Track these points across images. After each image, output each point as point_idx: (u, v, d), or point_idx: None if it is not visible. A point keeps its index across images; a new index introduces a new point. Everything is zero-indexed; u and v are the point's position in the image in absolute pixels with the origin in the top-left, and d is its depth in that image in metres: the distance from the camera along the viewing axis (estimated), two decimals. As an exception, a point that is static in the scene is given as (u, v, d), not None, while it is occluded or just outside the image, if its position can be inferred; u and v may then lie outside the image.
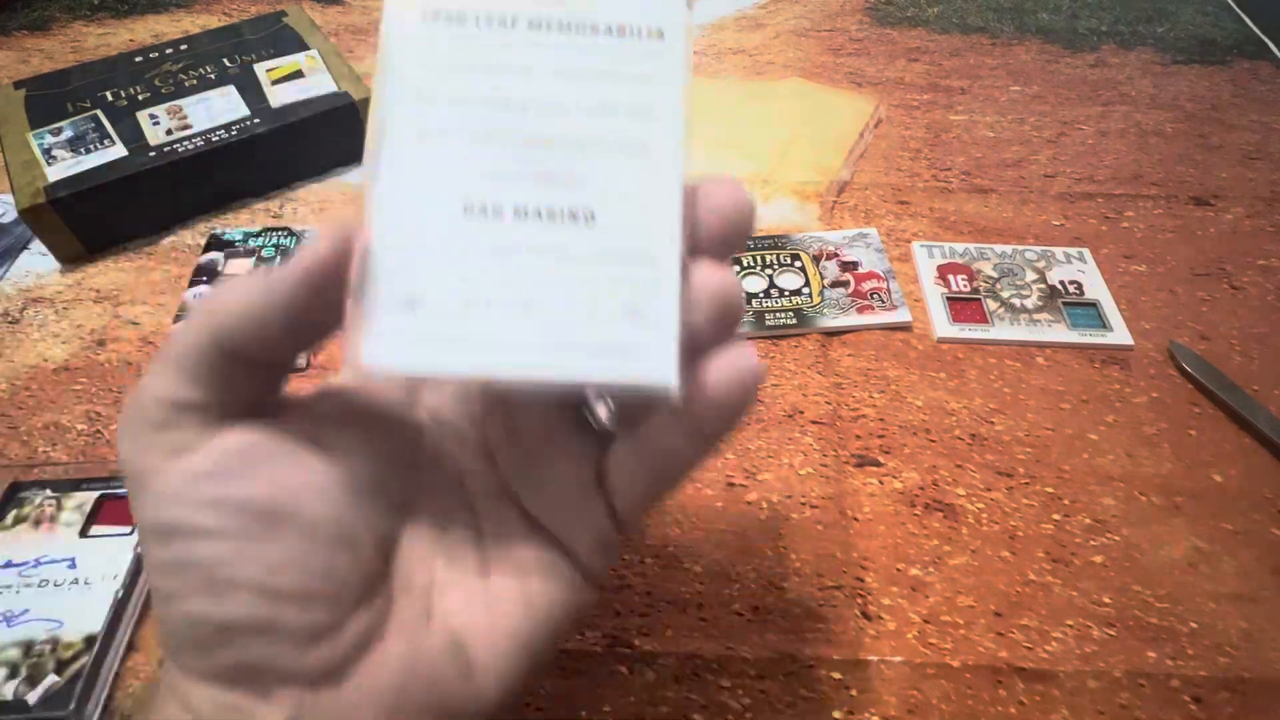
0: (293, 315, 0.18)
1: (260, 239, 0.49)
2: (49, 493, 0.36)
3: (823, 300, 0.45)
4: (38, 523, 0.35)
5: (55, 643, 0.31)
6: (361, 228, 0.18)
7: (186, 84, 0.54)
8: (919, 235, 0.50)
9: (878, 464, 0.38)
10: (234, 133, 0.50)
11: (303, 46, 0.57)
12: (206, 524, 0.18)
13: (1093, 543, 0.36)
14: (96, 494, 0.36)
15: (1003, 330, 0.44)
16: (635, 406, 0.21)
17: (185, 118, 0.51)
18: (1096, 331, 0.44)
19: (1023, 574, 0.35)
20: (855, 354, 0.43)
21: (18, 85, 0.54)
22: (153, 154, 0.49)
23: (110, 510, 0.36)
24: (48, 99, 0.53)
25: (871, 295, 0.46)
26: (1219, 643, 0.32)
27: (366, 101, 0.53)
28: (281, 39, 0.58)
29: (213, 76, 0.54)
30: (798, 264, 0.47)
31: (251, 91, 0.53)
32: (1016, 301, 0.45)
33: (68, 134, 0.50)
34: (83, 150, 0.49)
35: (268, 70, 0.55)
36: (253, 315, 0.18)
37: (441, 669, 0.21)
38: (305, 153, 0.54)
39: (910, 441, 0.39)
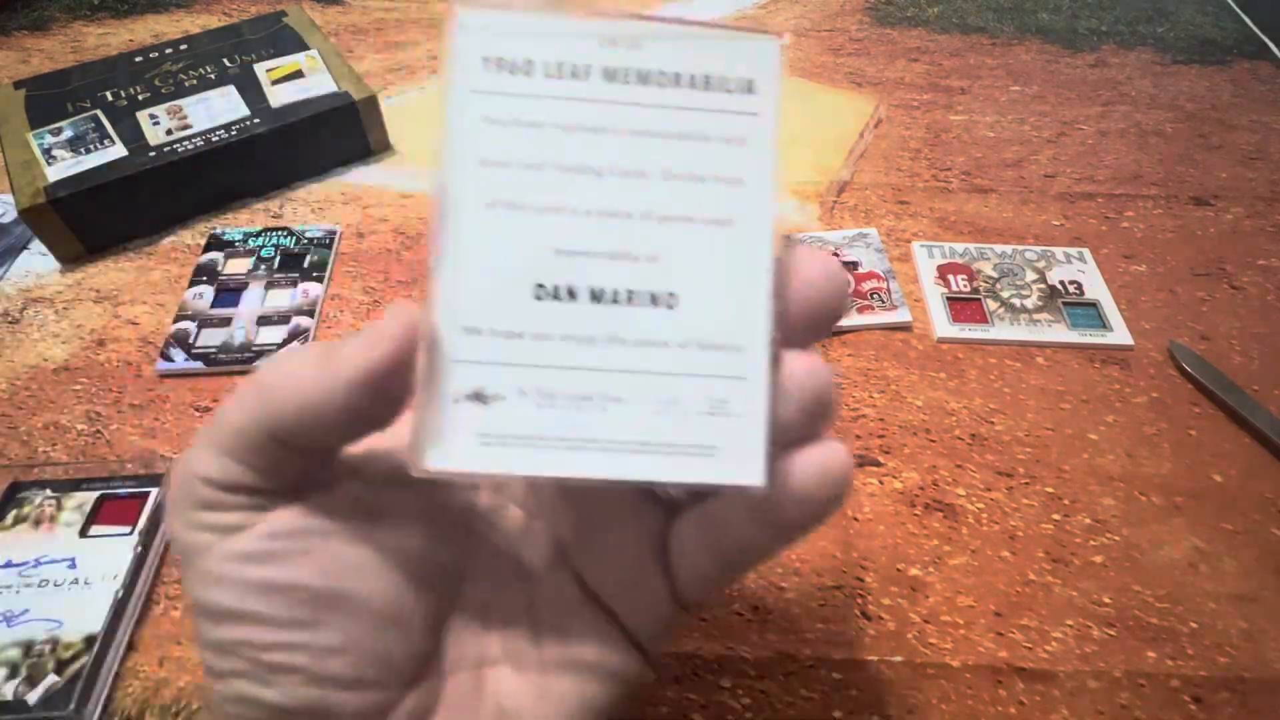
0: (351, 414, 0.17)
1: (260, 239, 0.49)
2: (49, 493, 0.36)
3: (823, 300, 0.45)
4: (38, 523, 0.35)
5: (55, 643, 0.31)
6: (426, 314, 0.17)
7: (186, 84, 0.54)
8: (919, 235, 0.50)
9: (878, 464, 0.38)
10: (234, 133, 0.50)
11: (303, 46, 0.57)
12: (255, 609, 0.18)
13: (1093, 543, 0.36)
14: (96, 494, 0.36)
15: (1003, 330, 0.44)
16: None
17: (185, 118, 0.51)
18: (1096, 331, 0.44)
19: (1023, 574, 0.35)
20: (855, 354, 0.43)
21: (18, 85, 0.54)
22: (153, 154, 0.49)
23: (110, 510, 0.36)
24: (48, 99, 0.53)
25: (871, 295, 0.46)
26: (1219, 643, 0.32)
27: (366, 101, 0.53)
28: (281, 39, 0.58)
29: (213, 76, 0.54)
30: (798, 264, 0.47)
31: (251, 91, 0.53)
32: (1016, 301, 0.45)
33: (68, 134, 0.50)
34: (83, 150, 0.49)
35: (268, 70, 0.55)
36: (306, 408, 0.17)
37: None
38: (305, 153, 0.54)
39: (910, 441, 0.39)
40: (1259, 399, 0.40)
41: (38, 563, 0.34)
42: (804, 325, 0.18)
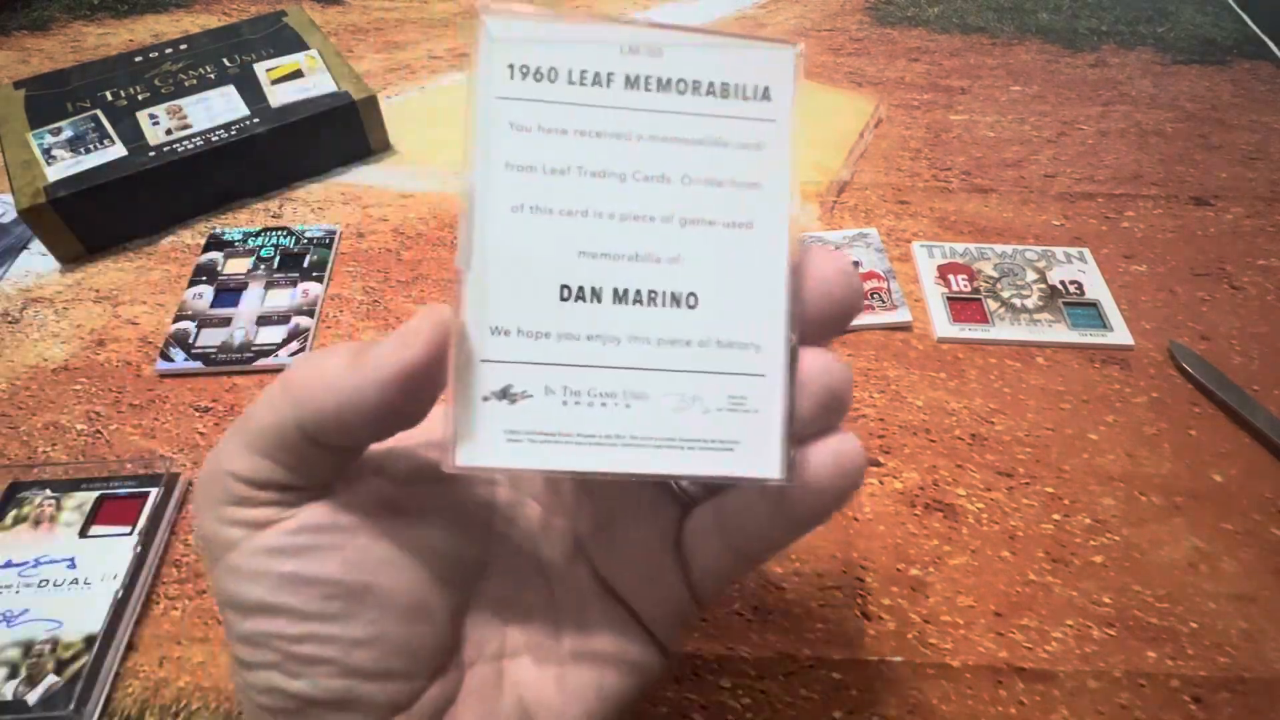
0: (383, 412, 0.17)
1: (260, 239, 0.49)
2: (49, 493, 0.36)
3: (823, 300, 0.45)
4: (37, 523, 0.35)
5: (55, 643, 0.31)
6: (456, 314, 0.17)
7: (186, 84, 0.54)
8: (919, 235, 0.50)
9: (878, 464, 0.38)
10: (234, 133, 0.50)
11: (303, 46, 0.57)
12: (285, 602, 0.18)
13: (1093, 543, 0.35)
14: (96, 494, 0.36)
15: (1003, 330, 0.44)
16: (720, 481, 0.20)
17: (185, 117, 0.51)
18: (1096, 331, 0.44)
19: (1023, 574, 0.35)
20: (855, 354, 0.43)
21: (18, 85, 0.54)
22: (152, 154, 0.49)
23: (110, 510, 0.36)
24: (48, 99, 0.53)
25: (872, 295, 0.46)
26: (1219, 643, 0.32)
27: (366, 101, 0.53)
28: (281, 39, 0.58)
29: (212, 76, 0.54)
30: (798, 264, 0.47)
31: (251, 91, 0.53)
32: (1017, 301, 0.45)
33: (67, 134, 0.50)
34: (82, 150, 0.49)
35: (268, 70, 0.55)
36: (339, 407, 0.17)
37: None
38: (305, 153, 0.54)
39: (910, 441, 0.39)
40: (1259, 399, 0.40)
41: (37, 563, 0.34)
42: (820, 324, 0.18)
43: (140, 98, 0.53)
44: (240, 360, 0.43)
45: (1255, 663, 0.32)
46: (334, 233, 0.50)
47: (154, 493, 0.36)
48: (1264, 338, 0.44)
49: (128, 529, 0.35)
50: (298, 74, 0.55)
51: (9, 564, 0.34)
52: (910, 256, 0.49)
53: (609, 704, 0.21)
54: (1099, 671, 0.32)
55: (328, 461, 0.19)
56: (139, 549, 0.34)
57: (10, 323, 0.46)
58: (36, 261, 0.49)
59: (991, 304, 0.45)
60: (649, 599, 0.21)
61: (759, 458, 0.18)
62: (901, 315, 0.45)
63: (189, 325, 0.45)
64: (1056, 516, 0.36)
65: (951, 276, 0.47)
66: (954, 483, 0.38)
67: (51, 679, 0.31)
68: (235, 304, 0.46)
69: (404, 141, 0.57)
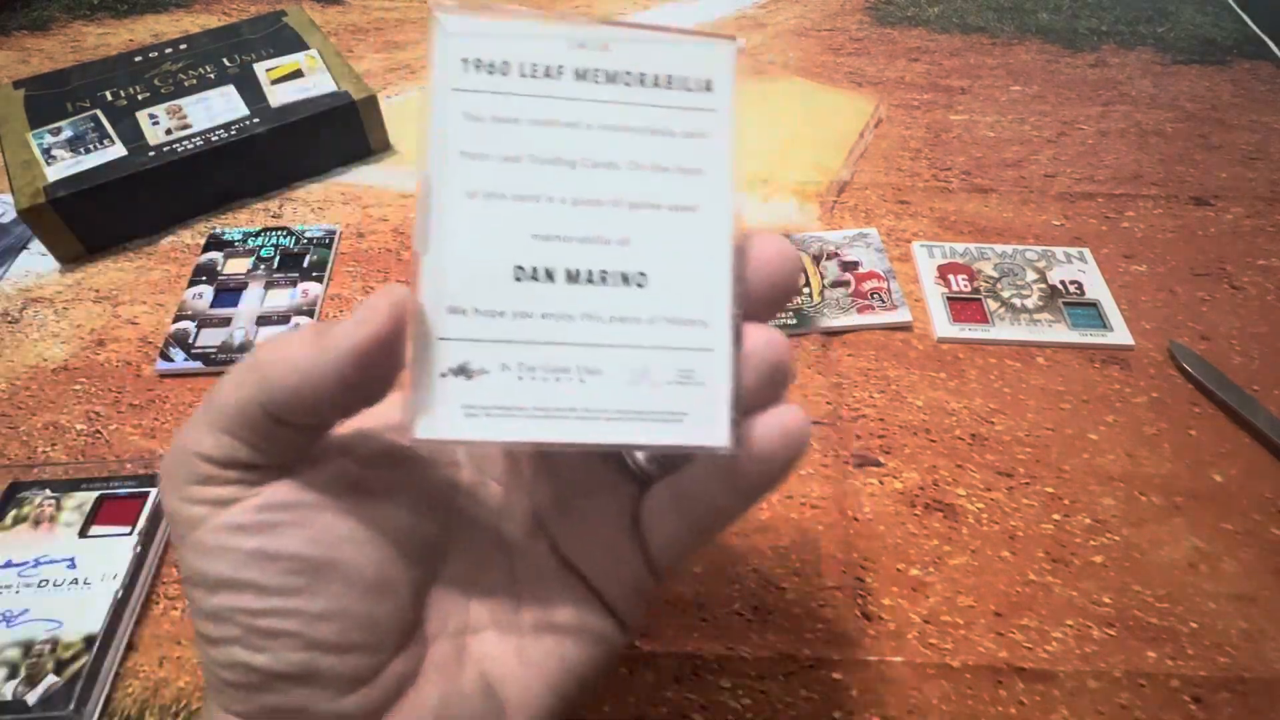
0: (344, 388, 0.18)
1: (260, 239, 0.49)
2: (49, 493, 0.36)
3: (823, 300, 0.45)
4: (37, 523, 0.35)
5: (55, 643, 0.31)
6: (414, 295, 0.18)
7: (186, 84, 0.54)
8: (919, 235, 0.50)
9: (878, 464, 0.38)
10: (234, 132, 0.50)
11: (302, 46, 0.57)
12: (249, 577, 0.18)
13: (1093, 543, 0.35)
14: (96, 494, 0.36)
15: (1003, 330, 0.44)
16: (679, 456, 0.21)
17: (185, 117, 0.51)
18: (1097, 331, 0.44)
19: (1023, 574, 0.35)
20: (855, 354, 0.43)
21: (17, 85, 0.54)
22: (152, 154, 0.49)
23: (109, 510, 0.36)
24: (47, 99, 0.52)
25: (872, 295, 0.46)
26: (1219, 643, 0.32)
27: (366, 101, 0.53)
28: (281, 39, 0.58)
29: (212, 76, 0.54)
30: (798, 264, 0.47)
31: (251, 91, 0.53)
32: (1017, 301, 0.45)
33: (67, 134, 0.50)
34: (82, 150, 0.49)
35: (267, 70, 0.55)
36: (302, 384, 0.18)
37: (474, 712, 0.21)
38: (305, 153, 0.54)
39: (910, 441, 0.39)
40: (1259, 399, 0.40)
41: (37, 563, 0.34)
42: (762, 301, 0.20)
43: (140, 98, 0.53)
44: (240, 360, 0.43)
45: (1255, 663, 0.32)
46: (334, 233, 0.50)
47: (154, 493, 0.36)
48: (1264, 338, 0.44)
49: (127, 529, 0.35)
50: (298, 74, 0.55)
51: (9, 564, 0.34)
52: (910, 256, 0.49)
53: (571, 677, 0.22)
54: (1099, 671, 0.32)
55: (291, 440, 0.19)
56: (139, 549, 0.34)
57: (10, 323, 0.46)
58: (36, 261, 0.49)
59: (991, 304, 0.45)
60: (608, 574, 0.22)
61: (708, 428, 0.19)
62: (901, 315, 0.45)
63: (189, 325, 0.45)
64: (1056, 516, 0.36)
65: (951, 276, 0.47)
66: (954, 483, 0.38)
67: (51, 679, 0.31)
68: (235, 304, 0.46)
69: (404, 141, 0.57)
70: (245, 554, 0.18)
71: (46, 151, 0.49)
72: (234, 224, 0.51)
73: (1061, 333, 0.44)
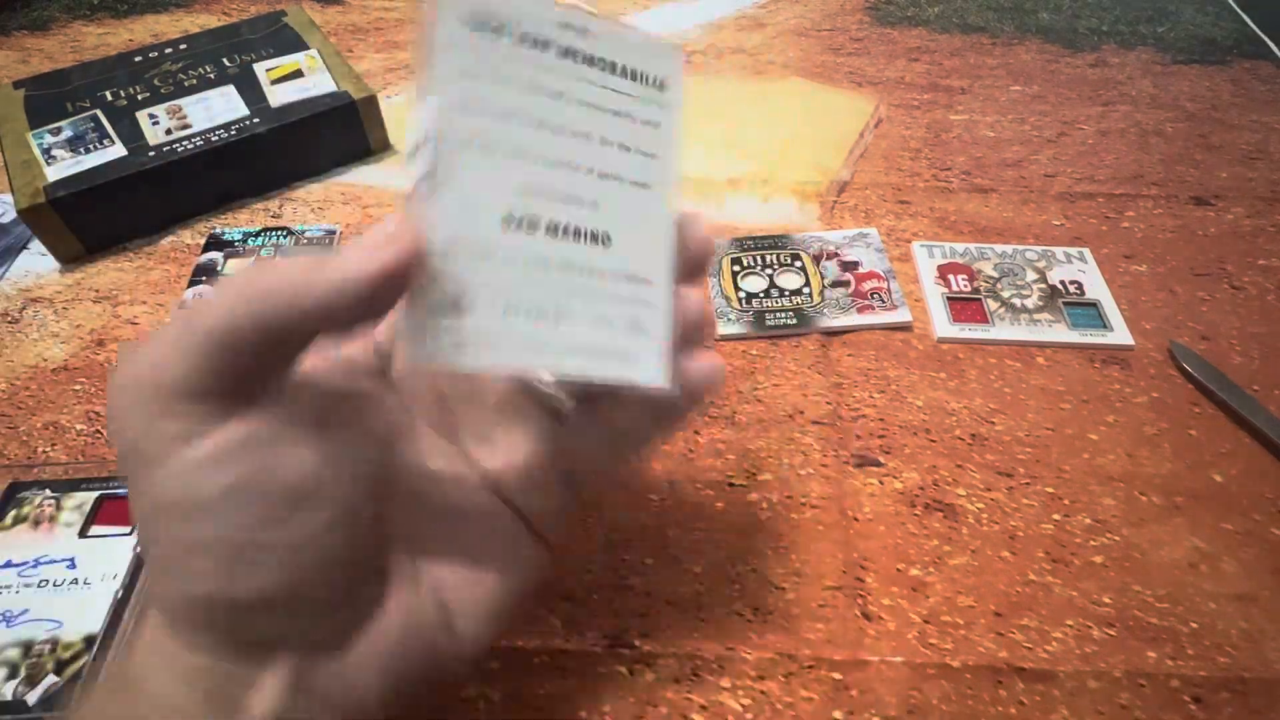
0: (361, 308, 0.18)
1: (260, 239, 0.49)
2: (48, 493, 0.36)
3: (823, 300, 0.45)
4: (37, 523, 0.35)
5: (55, 643, 0.31)
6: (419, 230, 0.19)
7: (186, 84, 0.54)
8: (919, 235, 0.50)
9: (878, 464, 0.38)
10: (233, 132, 0.50)
11: (302, 46, 0.57)
12: (227, 509, 0.18)
13: (1093, 543, 0.35)
14: (96, 494, 0.36)
15: (1003, 330, 0.44)
16: (597, 390, 0.23)
17: (185, 117, 0.51)
18: (1097, 331, 0.44)
19: (1023, 574, 0.34)
20: (855, 354, 0.43)
21: (17, 85, 0.54)
22: (152, 154, 0.49)
23: (110, 510, 0.36)
24: (47, 99, 0.53)
25: (872, 295, 0.46)
26: (1219, 643, 0.32)
27: (366, 101, 0.53)
28: (281, 38, 0.58)
29: (212, 76, 0.54)
30: (798, 264, 0.47)
31: (251, 91, 0.53)
32: (1017, 301, 0.45)
33: (67, 134, 0.50)
34: (82, 150, 0.49)
35: (267, 70, 0.55)
36: (322, 304, 0.18)
37: (432, 633, 0.23)
38: (305, 153, 0.54)
39: (910, 441, 0.39)
40: (1259, 399, 0.40)
41: (37, 563, 0.34)
42: (691, 264, 0.24)
43: (140, 98, 0.53)
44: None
45: (1255, 663, 0.32)
46: (334, 233, 0.50)
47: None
48: (1264, 338, 0.44)
49: (128, 529, 0.35)
50: (298, 74, 0.55)
51: (9, 564, 0.34)
52: (910, 256, 0.49)
53: (509, 595, 0.24)
54: (1099, 671, 0.32)
55: (269, 369, 0.20)
56: (139, 549, 0.34)
57: (10, 323, 0.46)
58: (36, 261, 0.49)
59: (991, 304, 0.45)
60: (534, 501, 0.25)
61: (651, 369, 0.22)
62: (901, 315, 0.45)
63: (189, 325, 0.44)
64: (1056, 516, 0.36)
65: (951, 276, 0.47)
66: (954, 483, 0.38)
67: (51, 679, 0.31)
68: (235, 304, 0.46)
69: (404, 141, 0.57)
70: (221, 487, 0.18)
71: (46, 151, 0.49)
72: (234, 224, 0.51)
73: (1061, 333, 0.44)
